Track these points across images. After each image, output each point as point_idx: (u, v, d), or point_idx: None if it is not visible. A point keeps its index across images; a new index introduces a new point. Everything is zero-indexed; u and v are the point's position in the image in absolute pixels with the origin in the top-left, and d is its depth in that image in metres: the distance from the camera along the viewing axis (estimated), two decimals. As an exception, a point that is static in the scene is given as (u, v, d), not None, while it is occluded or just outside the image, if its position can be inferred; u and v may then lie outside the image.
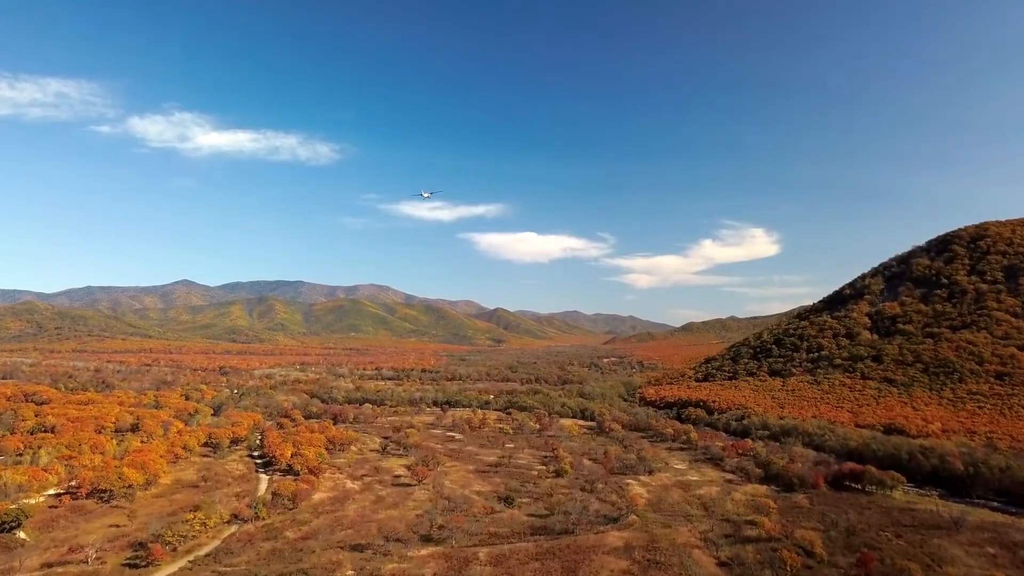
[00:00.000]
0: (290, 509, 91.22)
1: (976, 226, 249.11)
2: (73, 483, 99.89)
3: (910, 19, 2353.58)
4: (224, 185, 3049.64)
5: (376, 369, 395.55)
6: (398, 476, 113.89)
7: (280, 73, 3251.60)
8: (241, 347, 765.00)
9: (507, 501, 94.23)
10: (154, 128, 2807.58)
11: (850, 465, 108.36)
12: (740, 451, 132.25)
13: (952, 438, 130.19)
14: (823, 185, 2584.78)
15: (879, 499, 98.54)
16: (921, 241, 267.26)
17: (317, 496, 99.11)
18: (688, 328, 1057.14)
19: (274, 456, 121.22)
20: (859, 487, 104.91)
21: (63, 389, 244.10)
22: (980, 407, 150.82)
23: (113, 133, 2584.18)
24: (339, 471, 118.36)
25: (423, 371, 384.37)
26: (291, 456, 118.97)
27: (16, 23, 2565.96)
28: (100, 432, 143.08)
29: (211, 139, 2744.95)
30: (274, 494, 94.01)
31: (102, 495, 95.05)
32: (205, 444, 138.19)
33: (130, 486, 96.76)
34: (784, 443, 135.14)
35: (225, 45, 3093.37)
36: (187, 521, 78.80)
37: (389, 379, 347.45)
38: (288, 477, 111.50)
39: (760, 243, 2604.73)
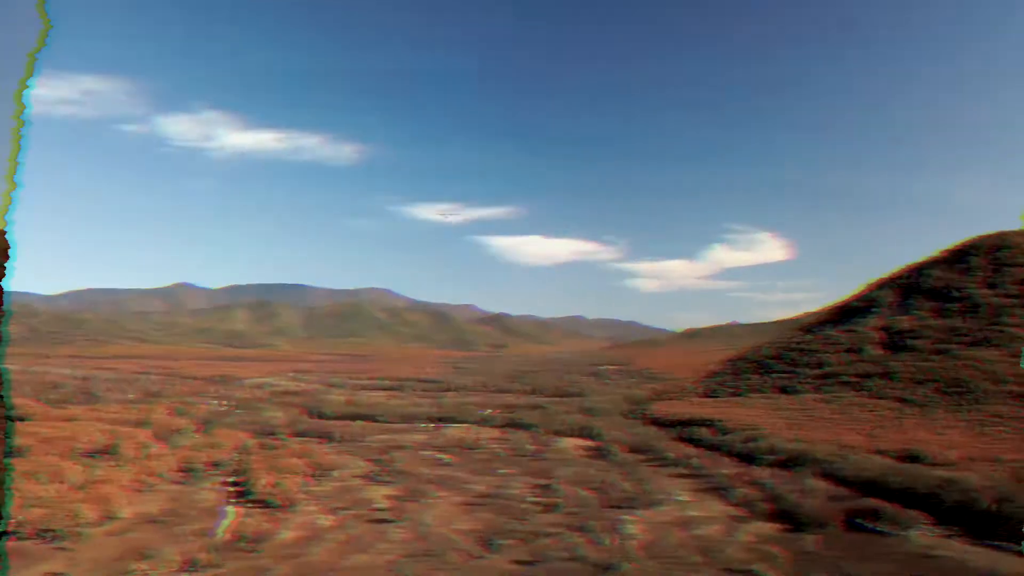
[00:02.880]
0: (253, 552, 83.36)
1: (994, 235, 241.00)
2: (23, 518, 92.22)
3: (929, 19, 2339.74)
4: (235, 187, 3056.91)
5: (374, 379, 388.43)
6: (378, 509, 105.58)
7: (304, 72, 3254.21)
8: (240, 352, 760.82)
9: (490, 545, 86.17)
10: (180, 127, 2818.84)
11: (872, 501, 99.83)
12: (747, 479, 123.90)
13: (974, 467, 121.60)
14: (833, 190, 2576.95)
15: (899, 543, 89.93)
16: (935, 250, 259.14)
17: (285, 535, 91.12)
18: (694, 334, 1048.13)
19: (249, 485, 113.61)
20: (876, 527, 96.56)
21: (46, 401, 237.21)
22: (1002, 431, 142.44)
23: (140, 131, 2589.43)
24: (316, 502, 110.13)
25: (421, 381, 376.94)
26: (266, 485, 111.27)
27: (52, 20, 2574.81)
28: (70, 455, 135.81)
29: (235, 139, 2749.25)
30: (235, 535, 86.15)
31: (49, 535, 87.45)
32: (181, 468, 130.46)
33: (81, 524, 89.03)
34: (795, 471, 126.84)
35: (256, 44, 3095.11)
36: (130, 572, 71.11)
37: (386, 389, 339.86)
38: (261, 509, 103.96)
39: (768, 248, 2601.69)
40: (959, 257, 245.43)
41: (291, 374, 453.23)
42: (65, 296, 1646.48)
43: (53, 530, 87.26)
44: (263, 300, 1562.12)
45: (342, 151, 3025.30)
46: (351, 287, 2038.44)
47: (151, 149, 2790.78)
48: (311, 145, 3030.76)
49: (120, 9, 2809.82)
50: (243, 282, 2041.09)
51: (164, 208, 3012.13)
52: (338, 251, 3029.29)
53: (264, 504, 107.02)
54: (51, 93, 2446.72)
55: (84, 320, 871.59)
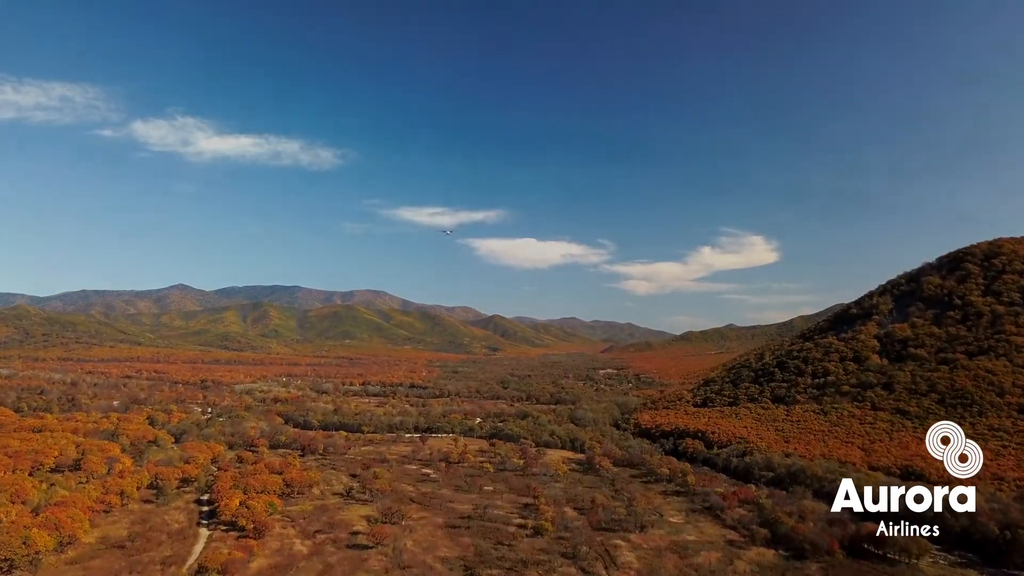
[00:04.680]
0: (219, 584, 78.06)
1: (989, 243, 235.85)
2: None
3: (918, 21, 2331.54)
4: (224, 190, 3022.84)
5: (363, 384, 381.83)
6: (356, 533, 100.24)
7: (283, 78, 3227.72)
8: (231, 355, 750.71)
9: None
10: (157, 132, 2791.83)
11: (870, 527, 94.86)
12: (742, 499, 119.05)
13: (978, 485, 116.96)
14: (823, 193, 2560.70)
15: (910, 573, 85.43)
16: (927, 254, 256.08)
17: (256, 564, 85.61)
18: (687, 337, 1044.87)
19: (220, 505, 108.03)
20: (880, 553, 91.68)
21: (26, 409, 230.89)
22: (1004, 446, 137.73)
23: (116, 137, 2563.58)
24: (291, 524, 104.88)
25: (411, 386, 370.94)
26: (238, 506, 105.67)
27: (20, 27, 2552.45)
28: (37, 470, 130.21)
29: (213, 144, 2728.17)
30: (200, 567, 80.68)
31: (2, 565, 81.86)
32: (150, 486, 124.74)
33: (37, 552, 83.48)
34: (791, 491, 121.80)
35: (229, 50, 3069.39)
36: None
37: (374, 395, 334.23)
38: (232, 533, 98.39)
39: (759, 251, 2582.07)
40: (955, 264, 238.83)
41: (281, 378, 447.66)
42: (58, 297, 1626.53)
43: (6, 559, 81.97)
44: (257, 302, 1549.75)
45: (321, 156, 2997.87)
46: (345, 289, 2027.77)
47: (128, 154, 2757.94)
48: (290, 151, 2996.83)
49: (93, 17, 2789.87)
50: (238, 284, 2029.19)
51: (150, 212, 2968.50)
52: (331, 254, 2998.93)
53: (235, 527, 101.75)
54: (27, 99, 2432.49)
55: (76, 322, 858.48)
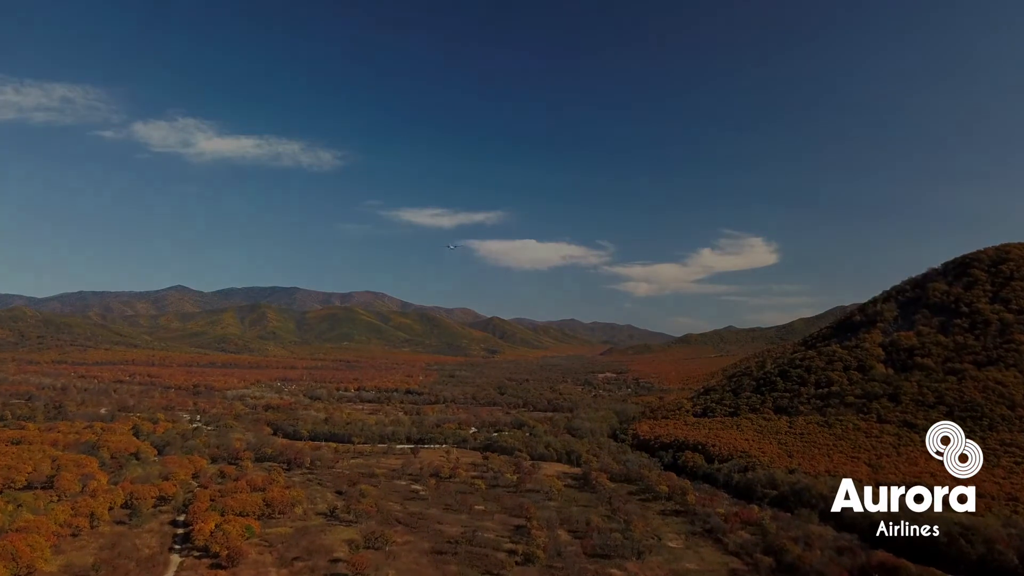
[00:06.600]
0: (183, 623, 72.61)
1: (996, 248, 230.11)
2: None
3: (921, 20, 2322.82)
4: (224, 191, 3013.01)
5: (357, 389, 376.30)
6: (336, 560, 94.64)
7: (283, 79, 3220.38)
8: (228, 358, 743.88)
9: (455, 615, 75.43)
10: (157, 133, 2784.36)
11: (881, 556, 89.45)
12: (744, 521, 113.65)
13: (991, 506, 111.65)
14: (823, 195, 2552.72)
15: (920, 608, 79.90)
16: (931, 258, 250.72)
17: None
18: (686, 340, 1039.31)
19: (194, 529, 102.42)
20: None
21: (9, 417, 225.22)
22: (1018, 463, 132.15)
23: (117, 138, 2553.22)
24: (269, 549, 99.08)
25: (406, 392, 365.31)
26: (213, 530, 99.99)
27: (20, 27, 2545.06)
28: (8, 488, 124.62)
29: (214, 145, 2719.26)
30: (163, 603, 75.30)
31: (-50, 600, 76.52)
32: (124, 505, 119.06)
33: (-10, 586, 78.11)
34: (797, 513, 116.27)
35: (229, 50, 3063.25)
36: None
37: (368, 401, 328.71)
38: (205, 560, 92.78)
39: (759, 252, 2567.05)
40: (961, 270, 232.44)
41: (276, 383, 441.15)
42: (56, 299, 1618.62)
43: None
44: (255, 304, 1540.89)
45: (321, 157, 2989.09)
46: (343, 291, 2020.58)
47: (129, 155, 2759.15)
48: (290, 152, 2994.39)
49: (93, 17, 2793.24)
50: (236, 285, 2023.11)
51: (149, 213, 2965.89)
52: (330, 255, 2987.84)
53: (209, 553, 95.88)
54: (28, 100, 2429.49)
55: (72, 324, 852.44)
